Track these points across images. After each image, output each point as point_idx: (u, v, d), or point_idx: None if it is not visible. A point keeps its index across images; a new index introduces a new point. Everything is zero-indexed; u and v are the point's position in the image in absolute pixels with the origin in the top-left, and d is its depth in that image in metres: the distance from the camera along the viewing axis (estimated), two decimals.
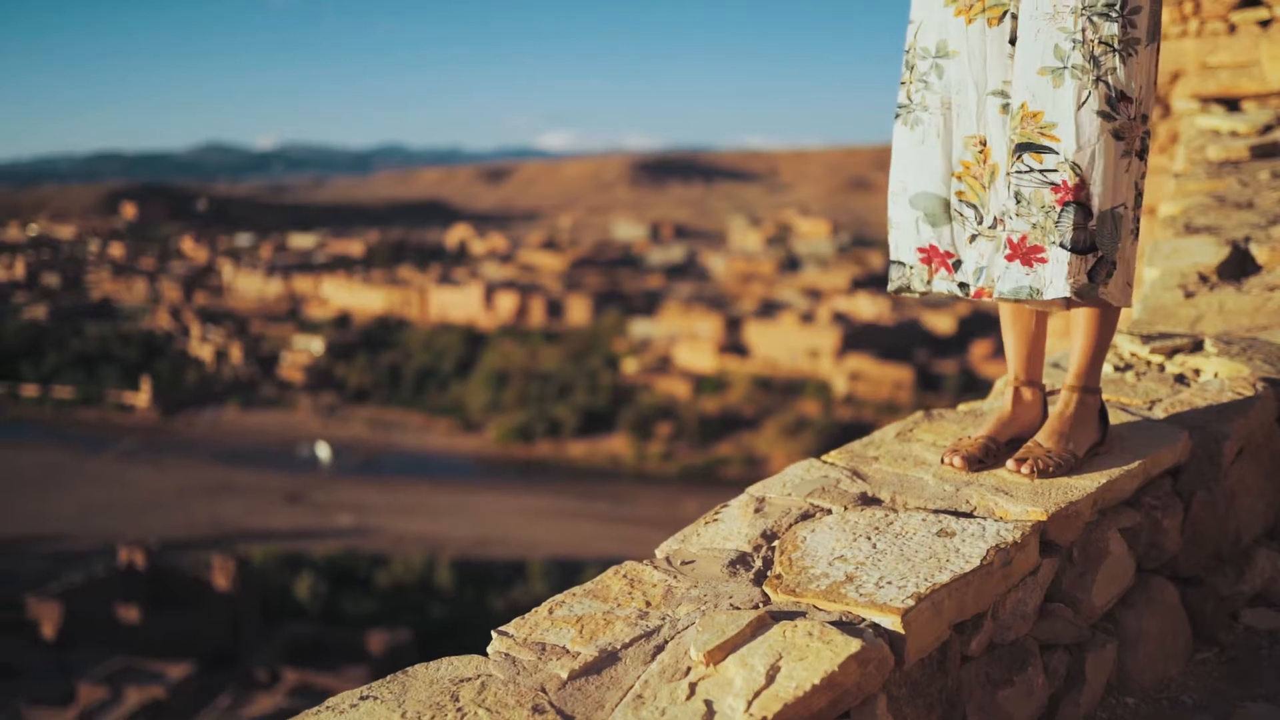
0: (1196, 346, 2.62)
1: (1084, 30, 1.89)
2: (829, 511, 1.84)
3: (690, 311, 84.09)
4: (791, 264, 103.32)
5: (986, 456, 2.06)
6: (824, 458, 2.06)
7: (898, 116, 2.12)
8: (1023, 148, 1.92)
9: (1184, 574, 2.15)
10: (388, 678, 1.52)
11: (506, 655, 1.54)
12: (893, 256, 2.15)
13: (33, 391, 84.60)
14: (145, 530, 53.99)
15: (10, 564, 51.58)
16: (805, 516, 1.82)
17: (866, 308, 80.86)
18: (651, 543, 1.82)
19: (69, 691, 36.48)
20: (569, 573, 45.62)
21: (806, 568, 1.65)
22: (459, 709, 1.43)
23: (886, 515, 1.79)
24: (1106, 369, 2.59)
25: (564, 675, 1.48)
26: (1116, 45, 1.89)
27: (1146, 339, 2.60)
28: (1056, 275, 1.90)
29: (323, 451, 74.77)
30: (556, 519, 62.08)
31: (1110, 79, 1.89)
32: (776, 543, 1.76)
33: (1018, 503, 1.83)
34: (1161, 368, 2.52)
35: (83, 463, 70.03)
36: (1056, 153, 1.89)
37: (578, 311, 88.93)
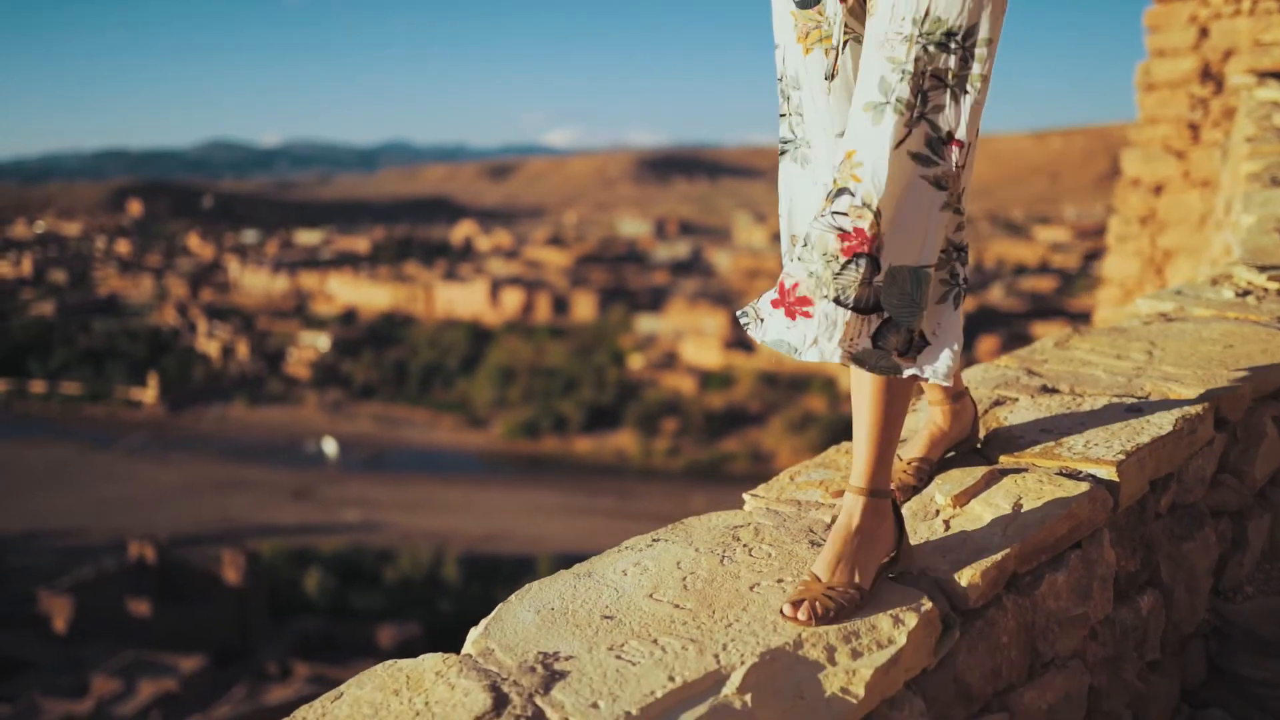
0: None
1: (916, 60, 1.60)
2: (1016, 400, 2.08)
3: (696, 307, 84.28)
4: None
5: (921, 481, 1.87)
6: (995, 361, 2.30)
7: (783, 154, 1.84)
8: (836, 193, 1.63)
9: None
10: (668, 526, 1.74)
11: (766, 509, 1.78)
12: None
13: (40, 388, 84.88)
14: (154, 525, 54.13)
15: (21, 559, 51.75)
16: (997, 403, 2.07)
17: None
18: None
19: (82, 684, 36.66)
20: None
21: (1016, 437, 1.90)
22: (744, 545, 1.66)
23: (1074, 399, 2.04)
24: (1227, 293, 2.80)
25: (827, 520, 1.71)
26: (950, 80, 1.62)
27: (1261, 269, 2.87)
28: (822, 334, 1.61)
29: (329, 447, 74.92)
30: (563, 514, 62.16)
31: (937, 118, 1.62)
32: (981, 419, 2.00)
33: (1188, 387, 2.07)
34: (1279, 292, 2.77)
35: (91, 459, 70.22)
36: (853, 194, 1.61)
37: (583, 308, 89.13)
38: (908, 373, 1.65)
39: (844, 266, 1.59)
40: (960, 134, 1.62)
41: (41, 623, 42.57)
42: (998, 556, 1.56)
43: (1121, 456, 1.78)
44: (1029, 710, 1.58)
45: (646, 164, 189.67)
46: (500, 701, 1.35)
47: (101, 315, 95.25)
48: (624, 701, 1.31)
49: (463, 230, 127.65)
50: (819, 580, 1.57)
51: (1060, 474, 1.76)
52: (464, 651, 1.49)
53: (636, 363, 79.95)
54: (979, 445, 1.98)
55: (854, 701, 1.35)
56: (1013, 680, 1.57)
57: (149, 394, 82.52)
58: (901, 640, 1.42)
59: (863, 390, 1.69)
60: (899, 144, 1.60)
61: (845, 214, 1.60)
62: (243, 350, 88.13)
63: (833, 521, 1.71)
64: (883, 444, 1.68)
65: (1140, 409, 1.97)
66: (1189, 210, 5.67)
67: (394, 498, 64.65)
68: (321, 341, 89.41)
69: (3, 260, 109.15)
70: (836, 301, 1.60)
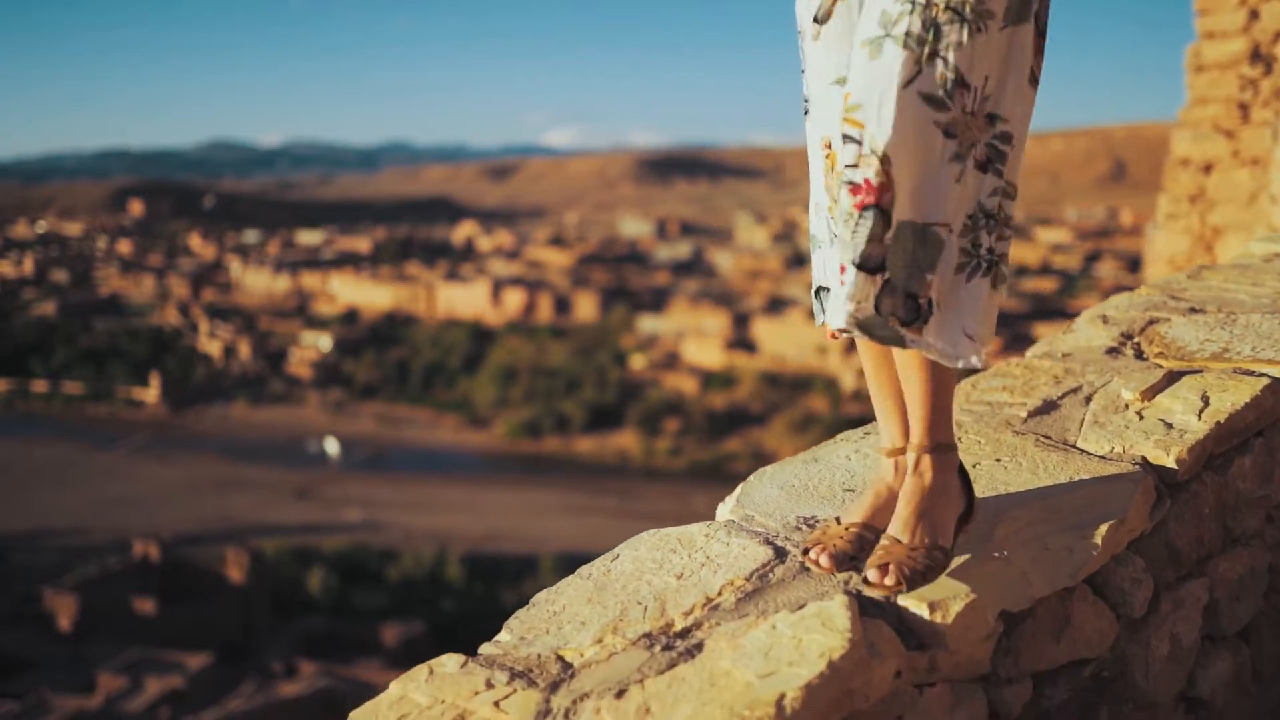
0: None
1: None
2: (1169, 319, 2.25)
3: (698, 308, 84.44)
4: (799, 261, 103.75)
5: (860, 551, 1.58)
6: (1137, 290, 2.47)
7: (806, 113, 1.70)
8: (842, 140, 1.50)
9: None
10: (873, 423, 1.88)
11: (960, 409, 1.94)
12: (819, 282, 1.70)
13: (42, 387, 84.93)
14: (157, 524, 54.15)
15: (25, 557, 51.75)
16: (1152, 322, 2.25)
17: None
18: None
19: (88, 681, 36.68)
20: (579, 567, 45.90)
21: (1181, 346, 2.07)
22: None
23: (1226, 317, 2.21)
24: None
25: (1022, 415, 1.88)
26: (967, 14, 1.45)
27: None
28: (837, 301, 1.50)
29: (331, 447, 74.95)
30: (565, 514, 62.19)
31: (952, 55, 1.45)
32: (1136, 339, 2.18)
33: None
34: None
35: (93, 458, 70.25)
36: (859, 142, 1.46)
37: (585, 308, 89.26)
38: (912, 345, 1.49)
39: (857, 223, 1.46)
40: (971, 78, 1.46)
41: (46, 621, 42.58)
42: (1200, 436, 1.74)
43: None
44: (1224, 578, 1.75)
45: (647, 164, 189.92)
46: (779, 553, 1.52)
47: (103, 315, 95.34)
48: None
49: (464, 230, 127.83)
50: (899, 543, 1.50)
51: (1236, 373, 1.93)
52: (719, 519, 1.65)
53: (638, 363, 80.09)
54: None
55: (1091, 555, 1.51)
56: (1211, 549, 1.75)
57: (151, 394, 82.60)
58: (1125, 504, 1.58)
59: (900, 356, 1.58)
60: (908, 83, 1.44)
61: (855, 165, 1.47)
62: (244, 350, 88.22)
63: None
64: (936, 399, 1.57)
65: None
66: (1238, 188, 5.85)
67: (396, 497, 64.69)
68: (323, 341, 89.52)
69: (5, 260, 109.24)
70: (854, 264, 1.47)
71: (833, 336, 1.58)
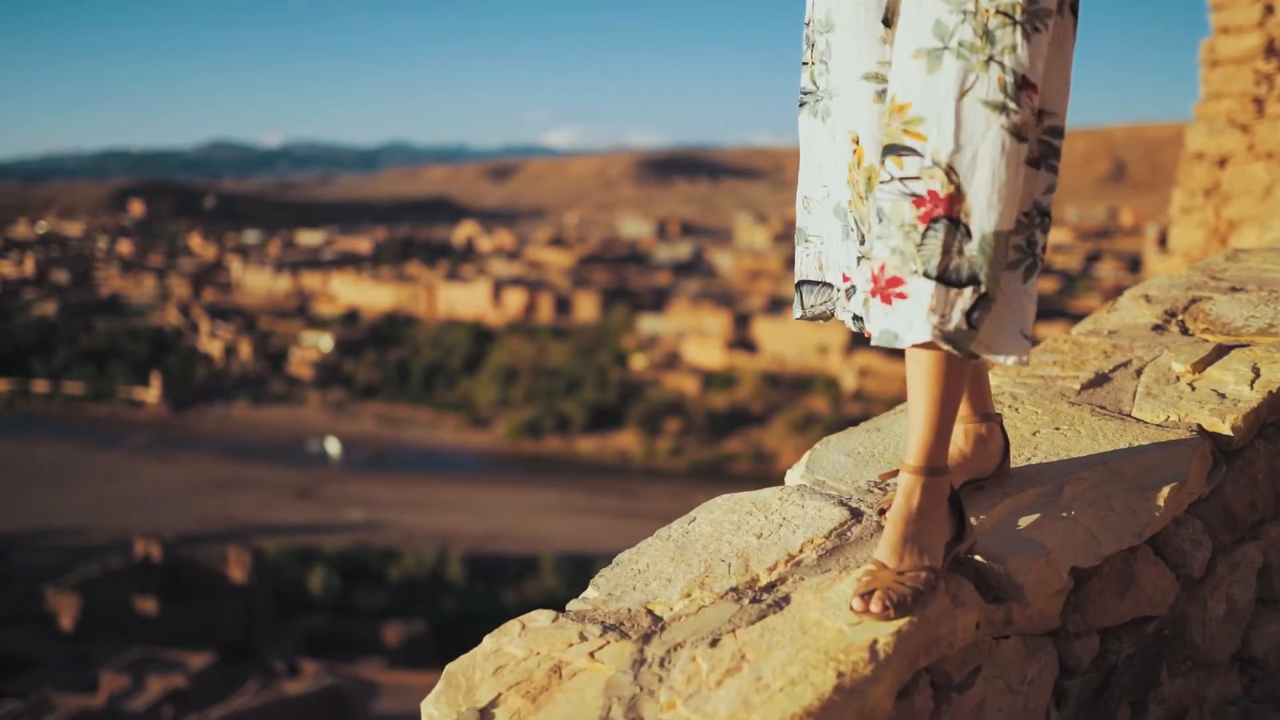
0: None
1: None
2: (1212, 298, 2.31)
3: (698, 308, 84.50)
4: None
5: None
6: (1178, 271, 2.53)
7: (803, 105, 1.73)
8: (888, 150, 1.50)
9: None
10: None
11: (1014, 383, 2.00)
12: (804, 275, 1.72)
13: (43, 387, 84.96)
14: (158, 524, 54.17)
15: (26, 557, 51.75)
16: (1195, 300, 2.31)
17: None
18: None
19: (90, 680, 36.69)
20: (581, 567, 45.88)
21: (1227, 322, 2.13)
22: (1009, 406, 1.89)
23: (1269, 294, 2.27)
24: None
25: (1076, 387, 1.94)
26: (1018, 16, 1.46)
27: None
28: (917, 314, 1.47)
29: (332, 447, 74.97)
30: (566, 514, 62.21)
31: (1008, 59, 1.45)
32: (1180, 316, 2.25)
33: None
34: None
35: (94, 458, 70.28)
36: (921, 154, 1.47)
37: (585, 308, 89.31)
38: (979, 353, 1.51)
39: (924, 235, 1.46)
40: (1035, 77, 1.47)
41: (48, 620, 42.58)
42: (1254, 405, 1.81)
43: None
44: (1276, 543, 1.81)
45: (647, 165, 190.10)
46: (855, 514, 1.58)
47: (104, 315, 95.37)
48: (969, 511, 1.54)
49: (464, 231, 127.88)
50: (885, 567, 1.46)
51: None
52: (788, 484, 1.71)
53: (639, 363, 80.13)
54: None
55: (1154, 515, 1.57)
56: (1265, 514, 1.81)
57: (152, 394, 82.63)
58: (1185, 468, 1.64)
59: (919, 363, 1.55)
60: (966, 92, 1.45)
61: (916, 177, 1.47)
62: (245, 350, 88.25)
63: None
64: (940, 421, 1.54)
65: None
66: (1253, 181, 5.90)
67: (397, 497, 64.71)
68: (324, 341, 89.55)
69: (5, 260, 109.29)
70: (925, 275, 1.46)
71: (872, 337, 1.55)
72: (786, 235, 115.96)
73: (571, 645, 1.37)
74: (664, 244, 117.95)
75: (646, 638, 1.36)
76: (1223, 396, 1.83)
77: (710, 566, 1.49)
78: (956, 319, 1.46)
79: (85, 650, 40.02)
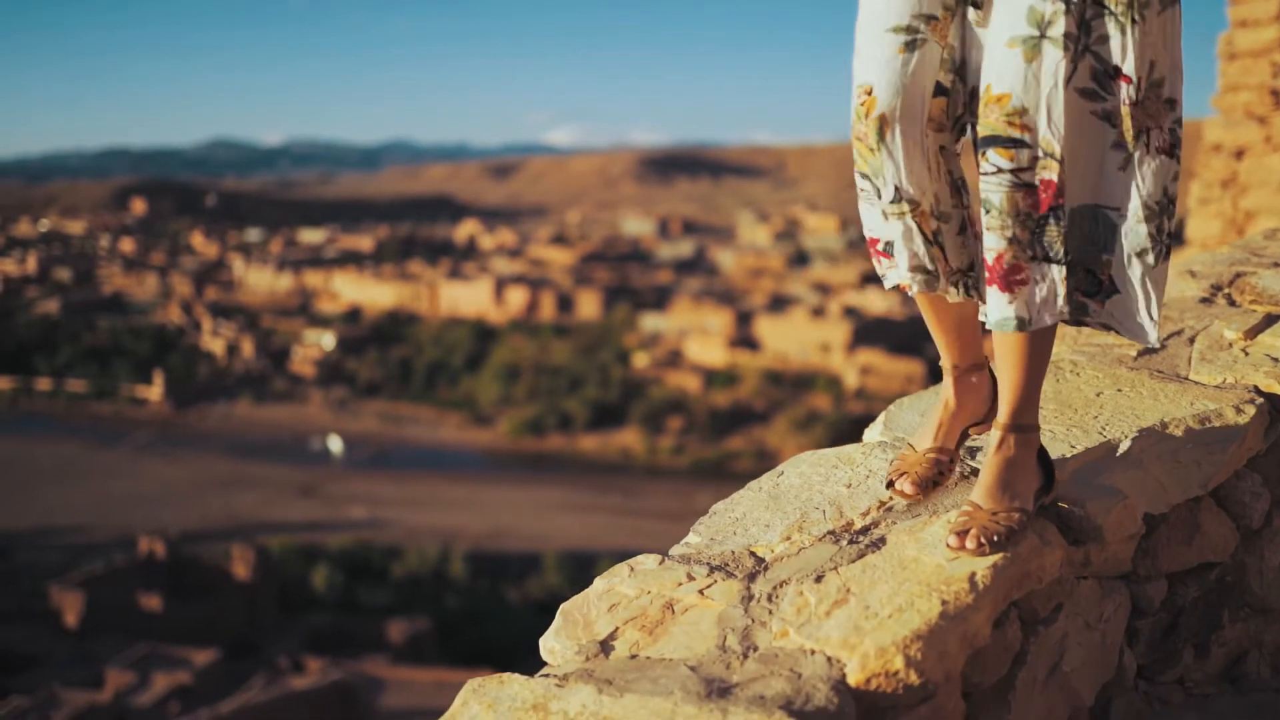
0: None
1: None
2: (1255, 272, 2.41)
3: (700, 306, 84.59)
4: (801, 259, 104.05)
5: (940, 474, 1.73)
6: (1219, 248, 2.64)
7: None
8: (988, 141, 1.54)
9: None
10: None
11: (1073, 349, 2.11)
12: (889, 237, 1.72)
13: (46, 385, 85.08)
14: (161, 521, 54.24)
15: (30, 554, 51.86)
16: (1239, 275, 2.41)
17: (877, 302, 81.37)
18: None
19: (95, 677, 36.78)
20: (583, 565, 45.92)
21: (1274, 294, 2.24)
22: (1072, 370, 2.00)
23: None
24: None
25: (1132, 354, 2.06)
26: (1114, 7, 1.52)
27: None
28: (1047, 298, 1.57)
29: (335, 445, 75.08)
30: (568, 512, 62.27)
31: (1101, 49, 1.53)
32: (1226, 289, 2.35)
33: None
34: None
35: (97, 456, 70.38)
36: (1029, 146, 1.53)
37: (588, 306, 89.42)
38: (1094, 318, 1.63)
39: (1041, 223, 1.54)
40: (1128, 68, 1.52)
41: (52, 617, 42.68)
42: None
43: None
44: None
45: (649, 163, 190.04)
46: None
47: (106, 313, 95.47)
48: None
49: (466, 229, 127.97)
50: (980, 508, 1.56)
51: None
52: (866, 440, 1.82)
53: (641, 361, 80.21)
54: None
55: (1218, 468, 1.68)
56: None
57: (154, 391, 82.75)
58: (1245, 424, 1.75)
59: (1009, 337, 1.62)
60: (1066, 81, 1.51)
61: (1028, 168, 1.53)
62: (247, 348, 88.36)
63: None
64: (1027, 383, 1.64)
65: None
66: (1270, 173, 6.00)
67: (400, 495, 64.79)
68: (326, 340, 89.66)
69: (8, 258, 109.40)
70: (1047, 259, 1.55)
71: (989, 323, 1.64)
72: (788, 233, 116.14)
73: (680, 584, 1.47)
74: (666, 242, 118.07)
75: (752, 576, 1.46)
76: (1276, 360, 1.94)
77: (805, 513, 1.60)
78: (1074, 299, 1.59)
79: (90, 647, 40.11)
